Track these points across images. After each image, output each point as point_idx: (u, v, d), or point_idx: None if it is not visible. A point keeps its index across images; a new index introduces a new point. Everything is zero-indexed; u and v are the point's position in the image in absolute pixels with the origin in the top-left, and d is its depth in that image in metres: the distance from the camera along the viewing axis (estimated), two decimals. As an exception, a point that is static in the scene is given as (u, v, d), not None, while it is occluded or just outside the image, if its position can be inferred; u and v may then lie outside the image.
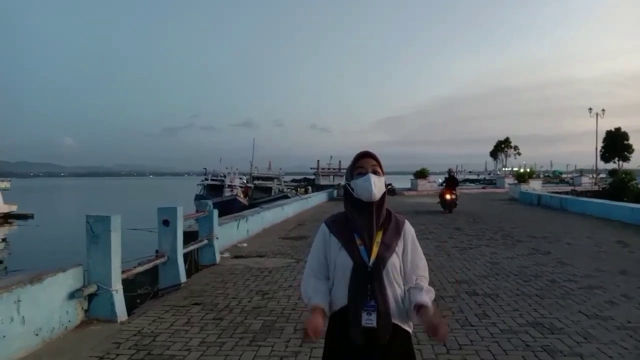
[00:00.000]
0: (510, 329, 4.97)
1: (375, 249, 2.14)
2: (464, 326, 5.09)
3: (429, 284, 2.26)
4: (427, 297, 2.15)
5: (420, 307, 2.11)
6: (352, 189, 2.22)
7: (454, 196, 18.62)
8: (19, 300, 4.25)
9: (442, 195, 19.08)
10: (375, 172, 2.21)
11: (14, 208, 42.45)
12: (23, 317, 4.28)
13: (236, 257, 9.25)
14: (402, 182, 42.23)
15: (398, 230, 2.23)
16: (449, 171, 20.54)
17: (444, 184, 19.88)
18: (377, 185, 2.17)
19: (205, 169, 57.26)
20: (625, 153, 68.45)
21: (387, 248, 2.16)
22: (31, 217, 42.21)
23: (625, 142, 68.68)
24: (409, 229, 2.28)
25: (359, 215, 2.19)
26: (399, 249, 2.20)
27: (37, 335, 4.45)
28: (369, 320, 2.06)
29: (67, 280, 4.95)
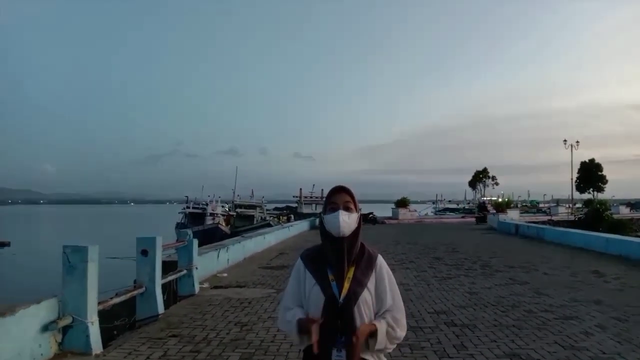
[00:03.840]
0: (488, 360, 5.01)
1: (346, 285, 2.15)
2: (442, 358, 5.11)
3: (407, 318, 2.27)
4: (383, 325, 2.14)
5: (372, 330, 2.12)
6: (325, 223, 2.26)
7: (482, 215, 35.26)
8: (-11, 333, 4.16)
9: (477, 214, 38.18)
10: (347, 209, 2.23)
11: (-11, 236, 41.49)
12: (-7, 350, 4.19)
13: (216, 287, 9.17)
14: (383, 211, 42.39)
15: (370, 265, 2.23)
16: (481, 202, 43.31)
17: (479, 208, 41.63)
18: (346, 222, 2.19)
19: (187, 196, 56.79)
20: (600, 184, 69.85)
21: (359, 283, 2.17)
22: (7, 245, 41.20)
23: (599, 173, 70.17)
24: (381, 262, 2.27)
25: (331, 249, 2.21)
26: (370, 284, 2.20)
27: (7, 369, 4.35)
28: (339, 356, 2.06)
29: (41, 312, 4.86)
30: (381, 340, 2.13)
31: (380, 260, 2.29)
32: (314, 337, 2.04)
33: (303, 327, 2.13)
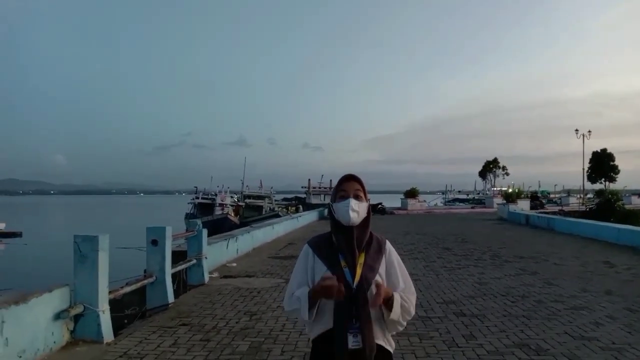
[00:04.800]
0: (497, 350, 4.99)
1: (358, 271, 2.17)
2: (451, 347, 5.10)
3: (416, 308, 2.29)
4: (398, 295, 2.17)
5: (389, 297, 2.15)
6: (334, 211, 2.27)
7: (536, 203, 41.22)
8: (2, 321, 4.20)
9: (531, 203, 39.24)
10: (357, 197, 2.24)
11: (1, 226, 41.93)
12: (7, 338, 4.23)
13: (225, 277, 9.22)
14: (392, 201, 42.33)
15: (380, 250, 2.26)
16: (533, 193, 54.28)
17: (532, 198, 44.20)
18: (355, 211, 2.21)
19: (196, 187, 57.03)
20: (612, 174, 69.17)
21: (371, 269, 2.19)
22: (19, 235, 41.64)
23: (611, 163, 69.48)
24: (389, 248, 2.31)
25: (342, 236, 2.22)
26: (381, 269, 2.23)
27: (20, 357, 4.39)
28: (355, 342, 2.08)
29: (53, 300, 4.91)
30: (396, 309, 2.14)
31: (389, 245, 2.33)
32: (333, 282, 2.04)
33: (318, 289, 2.12)
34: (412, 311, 2.24)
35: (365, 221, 2.26)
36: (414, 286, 2.31)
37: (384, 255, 2.26)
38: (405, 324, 2.26)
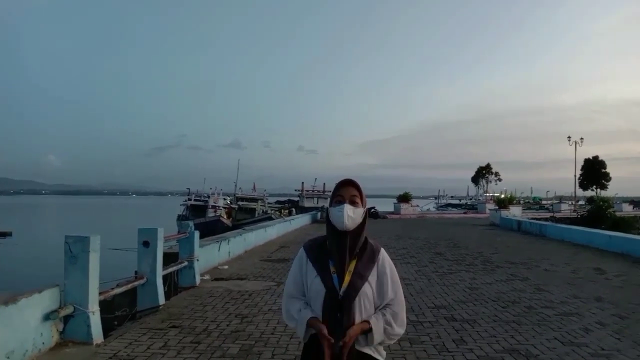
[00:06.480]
0: (487, 355, 5.01)
1: (347, 278, 2.16)
2: (441, 352, 5.12)
3: (407, 312, 2.28)
4: (379, 322, 2.15)
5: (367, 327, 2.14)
6: (330, 215, 2.27)
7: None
8: (-9, 322, 4.18)
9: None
10: (353, 203, 2.24)
11: (-9, 226, 41.59)
12: (-5, 339, 4.20)
13: (216, 279, 9.19)
14: (385, 206, 42.38)
15: (373, 259, 2.24)
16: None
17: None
18: (350, 217, 2.20)
19: (189, 189, 56.82)
20: (603, 181, 69.70)
21: (360, 277, 2.18)
22: (10, 235, 41.32)
23: (603, 170, 70.01)
24: (383, 256, 2.28)
25: (335, 241, 2.22)
26: (372, 277, 2.20)
27: (8, 358, 4.36)
28: (340, 348, 2.08)
29: (43, 301, 4.88)
30: (378, 337, 2.14)
31: (383, 253, 2.29)
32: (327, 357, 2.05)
33: (313, 328, 2.14)
34: (399, 330, 2.21)
35: (360, 227, 2.25)
36: (404, 295, 2.31)
37: (376, 264, 2.24)
38: (392, 341, 2.25)
